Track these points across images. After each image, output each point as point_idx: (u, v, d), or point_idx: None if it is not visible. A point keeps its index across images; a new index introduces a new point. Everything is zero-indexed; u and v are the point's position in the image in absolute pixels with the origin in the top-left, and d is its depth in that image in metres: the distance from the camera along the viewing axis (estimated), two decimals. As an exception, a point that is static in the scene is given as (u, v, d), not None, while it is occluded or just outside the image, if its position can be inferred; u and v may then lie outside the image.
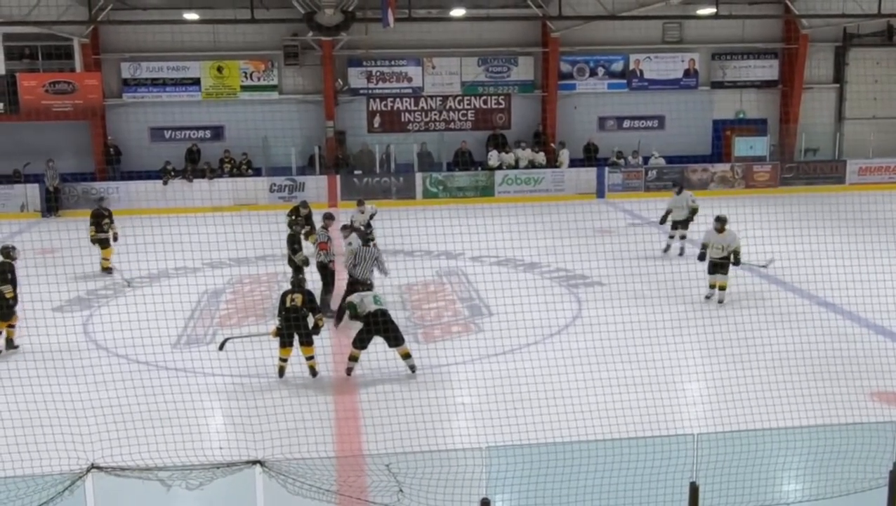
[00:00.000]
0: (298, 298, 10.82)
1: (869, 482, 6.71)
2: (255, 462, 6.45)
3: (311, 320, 10.81)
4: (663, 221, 17.74)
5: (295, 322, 10.69)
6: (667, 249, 17.74)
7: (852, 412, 9.00)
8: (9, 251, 12.30)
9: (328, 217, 14.38)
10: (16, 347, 12.05)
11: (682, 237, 17.65)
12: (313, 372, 10.87)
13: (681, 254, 17.40)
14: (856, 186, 27.75)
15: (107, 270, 16.82)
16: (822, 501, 7.02)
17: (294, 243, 14.38)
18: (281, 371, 10.85)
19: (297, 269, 13.89)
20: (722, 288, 13.90)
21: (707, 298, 13.99)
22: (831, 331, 11.69)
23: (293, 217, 17.45)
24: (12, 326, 12.12)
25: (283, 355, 10.84)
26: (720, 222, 13.87)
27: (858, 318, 12.62)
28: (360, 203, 18.41)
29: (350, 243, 13.49)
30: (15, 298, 12.13)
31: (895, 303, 11.77)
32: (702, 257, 14.04)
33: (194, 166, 26.40)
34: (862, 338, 11.82)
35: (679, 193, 17.86)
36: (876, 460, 6.82)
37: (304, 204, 17.76)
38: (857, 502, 6.73)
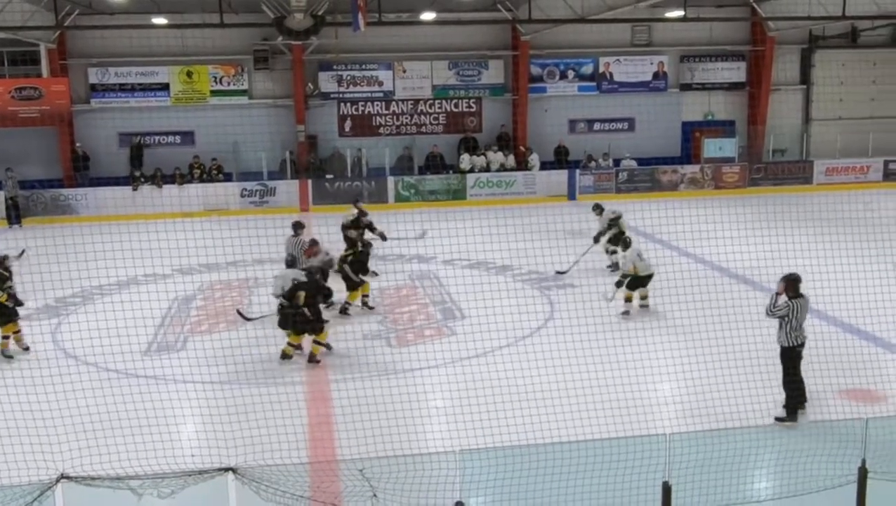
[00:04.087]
0: (301, 295, 11.44)
1: (839, 479, 6.78)
2: (227, 469, 6.41)
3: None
4: (597, 240, 17.17)
5: (292, 318, 11.33)
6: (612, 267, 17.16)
7: (822, 410, 9.12)
8: (2, 260, 12.61)
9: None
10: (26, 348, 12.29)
11: (613, 252, 17.37)
12: (311, 359, 11.51)
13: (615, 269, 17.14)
14: (823, 187, 28.08)
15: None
16: (792, 498, 7.09)
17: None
18: (283, 354, 11.55)
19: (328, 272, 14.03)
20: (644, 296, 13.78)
21: (627, 313, 13.59)
22: (800, 330, 11.78)
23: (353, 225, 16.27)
24: (17, 332, 12.25)
25: (293, 341, 11.57)
26: (626, 244, 13.95)
27: (827, 316, 12.75)
28: (356, 202, 18.23)
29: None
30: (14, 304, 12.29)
31: (863, 301, 11.90)
32: (620, 284, 13.69)
33: (139, 165, 26.01)
34: (831, 337, 11.92)
35: (601, 213, 17.32)
36: (845, 456, 6.89)
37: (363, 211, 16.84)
38: (827, 498, 6.80)
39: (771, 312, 9.33)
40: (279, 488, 6.37)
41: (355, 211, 17.27)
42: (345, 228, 15.82)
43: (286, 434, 8.50)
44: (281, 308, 11.63)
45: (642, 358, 10.89)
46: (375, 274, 15.92)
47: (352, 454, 7.68)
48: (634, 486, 6.55)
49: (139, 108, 26.74)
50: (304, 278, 11.91)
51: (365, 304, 14.39)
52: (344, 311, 13.97)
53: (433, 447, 8.44)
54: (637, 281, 13.56)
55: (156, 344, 12.68)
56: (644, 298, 13.81)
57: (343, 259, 14.38)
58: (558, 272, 16.39)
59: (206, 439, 9.09)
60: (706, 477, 6.72)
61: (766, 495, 7.54)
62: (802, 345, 9.33)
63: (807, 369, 10.27)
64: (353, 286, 14.14)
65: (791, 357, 9.34)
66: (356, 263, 14.29)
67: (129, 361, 11.28)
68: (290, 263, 12.67)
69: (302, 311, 11.40)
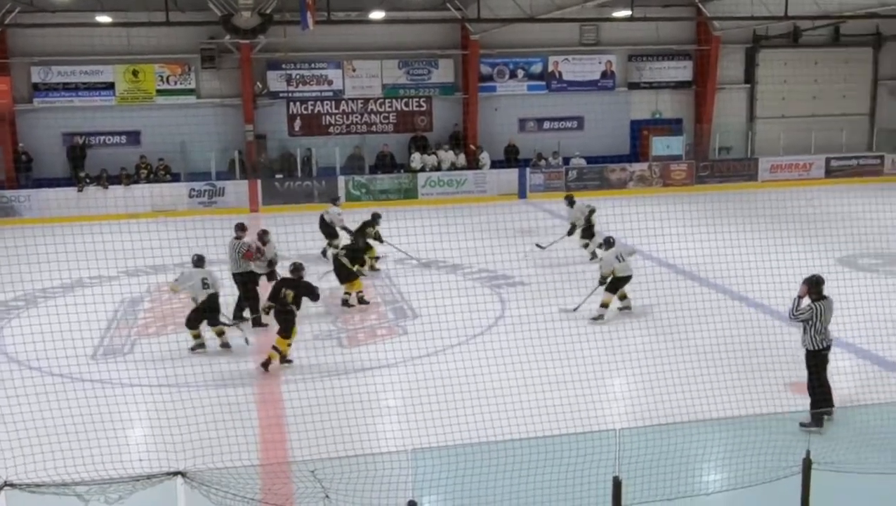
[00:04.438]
0: (290, 294, 11.27)
1: (784, 471, 6.90)
2: (176, 473, 6.31)
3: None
4: (570, 232, 17.61)
5: (283, 316, 11.20)
6: (593, 257, 17.47)
7: (768, 403, 9.26)
8: None
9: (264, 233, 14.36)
10: None
11: (586, 245, 17.51)
12: (265, 365, 11.19)
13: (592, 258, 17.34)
14: (768, 183, 28.60)
15: None
16: (740, 490, 7.21)
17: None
18: (282, 358, 11.31)
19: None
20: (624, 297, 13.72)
21: (600, 317, 13.38)
22: (747, 324, 12.00)
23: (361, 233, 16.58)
24: None
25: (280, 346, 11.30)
26: (609, 244, 13.73)
27: (772, 311, 12.98)
28: (335, 202, 18.95)
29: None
30: None
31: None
32: (603, 282, 13.48)
33: (81, 167, 25.48)
34: (776, 330, 12.14)
35: (571, 205, 17.64)
36: (790, 448, 7.02)
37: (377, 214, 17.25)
38: (773, 489, 6.91)
39: (793, 316, 9.06)
40: (230, 491, 6.30)
41: (335, 209, 18.19)
42: (328, 227, 17.64)
43: (237, 436, 8.43)
44: (271, 309, 11.59)
45: (591, 354, 10.95)
46: (376, 270, 16.75)
47: (303, 456, 7.62)
48: (585, 481, 6.60)
49: (83, 108, 26.26)
50: (209, 277, 12.04)
51: (346, 302, 14.44)
52: (361, 301, 14.35)
53: (385, 447, 8.43)
54: (616, 283, 13.36)
55: (102, 348, 12.47)
56: (623, 298, 13.62)
57: (336, 254, 14.87)
58: (538, 245, 17.51)
59: (154, 443, 8.97)
60: (656, 471, 6.80)
61: (714, 487, 7.65)
62: (828, 348, 9.02)
63: (752, 364, 10.49)
64: (351, 277, 14.33)
65: (816, 361, 9.02)
66: (351, 255, 14.54)
67: (76, 366, 11.04)
68: (198, 261, 12.24)
69: (290, 308, 11.33)
